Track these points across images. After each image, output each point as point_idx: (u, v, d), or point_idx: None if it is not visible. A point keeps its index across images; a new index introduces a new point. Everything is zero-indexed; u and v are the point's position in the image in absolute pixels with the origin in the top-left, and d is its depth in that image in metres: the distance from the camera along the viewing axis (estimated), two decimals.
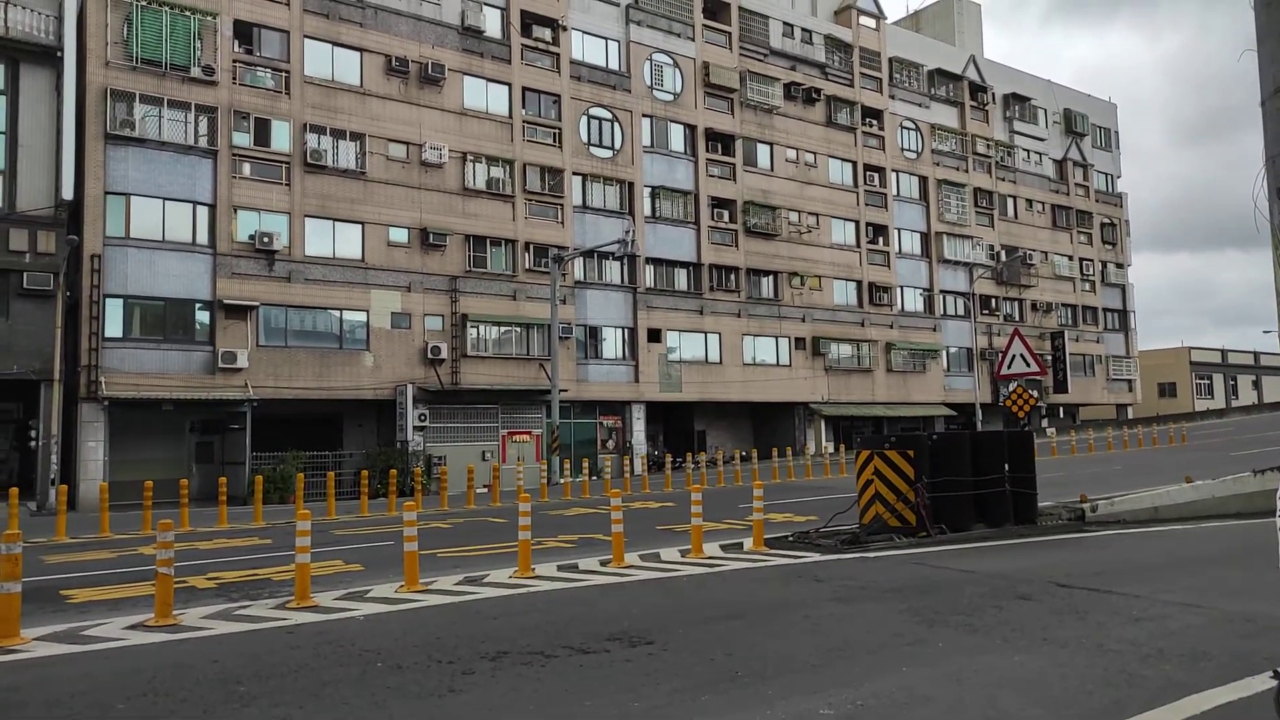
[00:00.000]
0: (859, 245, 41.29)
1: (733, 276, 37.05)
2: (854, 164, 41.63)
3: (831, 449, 36.45)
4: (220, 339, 25.47)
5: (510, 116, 31.79)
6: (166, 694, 5.35)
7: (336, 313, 27.85)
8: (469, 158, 30.59)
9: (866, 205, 41.79)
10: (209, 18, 25.90)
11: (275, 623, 7.35)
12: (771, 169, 38.84)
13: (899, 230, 43.24)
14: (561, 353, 29.40)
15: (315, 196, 27.48)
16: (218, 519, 16.31)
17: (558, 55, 33.05)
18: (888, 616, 7.06)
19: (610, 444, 33.61)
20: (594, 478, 27.30)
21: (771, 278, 38.29)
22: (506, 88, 31.85)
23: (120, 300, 24.38)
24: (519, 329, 31.43)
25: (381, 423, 29.10)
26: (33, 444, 23.42)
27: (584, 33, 33.98)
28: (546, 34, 32.85)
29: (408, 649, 6.31)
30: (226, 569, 10.55)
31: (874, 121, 42.57)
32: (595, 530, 13.62)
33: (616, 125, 34.57)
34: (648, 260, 34.76)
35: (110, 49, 24.40)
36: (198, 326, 25.53)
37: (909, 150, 44.17)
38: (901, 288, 42.83)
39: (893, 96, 43.44)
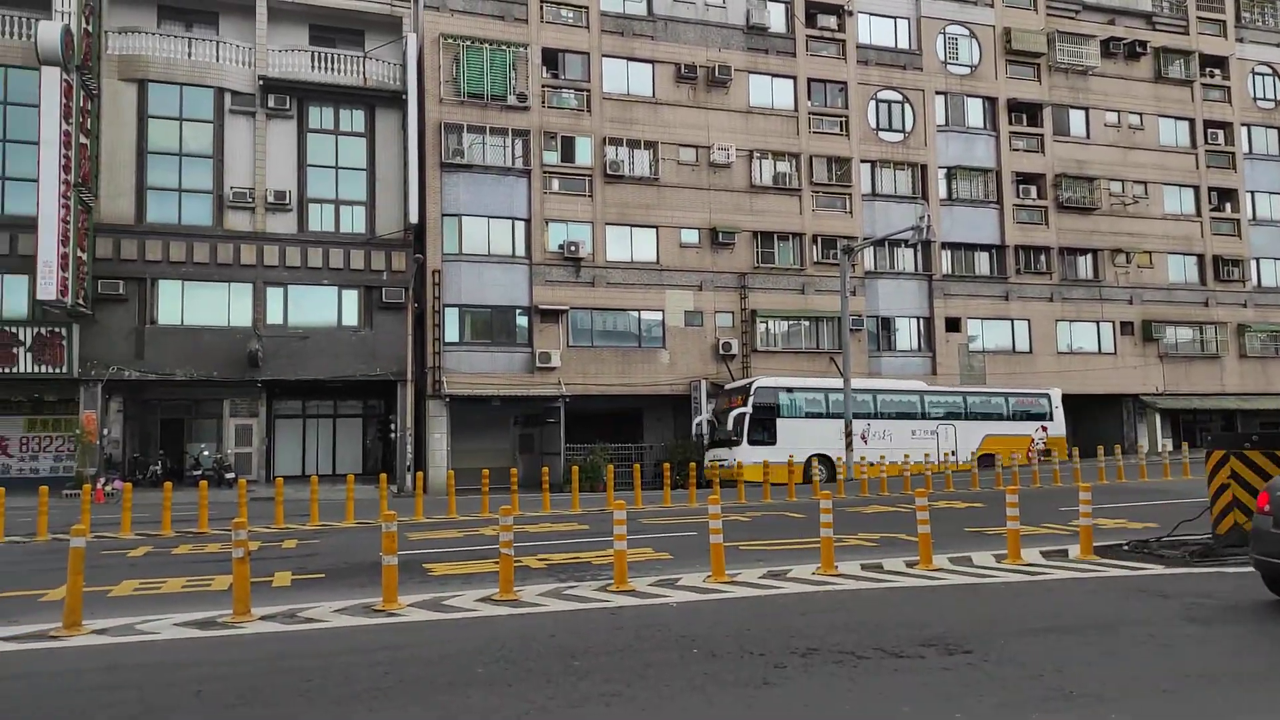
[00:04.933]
0: (1199, 214, 36.07)
1: (1043, 257, 34.02)
2: (1190, 121, 36.43)
3: (1170, 446, 32.21)
4: (537, 341, 28.01)
5: (795, 110, 31.66)
6: (515, 662, 6.02)
7: (635, 313, 29.46)
8: (755, 155, 30.90)
9: (1209, 168, 36.37)
10: (521, 49, 28.53)
11: (599, 604, 7.98)
12: (1087, 136, 35.11)
13: (1252, 194, 37.11)
14: (853, 345, 28.75)
15: (614, 205, 29.26)
16: (541, 505, 17.97)
17: (843, 42, 32.36)
18: (1259, 642, 6.14)
19: None
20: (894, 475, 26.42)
21: (1089, 256, 34.64)
22: (791, 81, 31.75)
23: (456, 309, 27.65)
24: (808, 322, 31.23)
25: (678, 417, 30.33)
26: (392, 435, 27.32)
27: (871, 14, 32.96)
28: (832, 21, 32.27)
29: (720, 638, 6.56)
30: (553, 551, 11.61)
31: (1216, 71, 36.91)
32: (897, 529, 13.21)
33: (907, 106, 33.12)
34: (944, 245, 32.96)
35: (443, 87, 27.74)
36: (518, 330, 28.27)
37: (1264, 100, 37.75)
38: (1257, 260, 36.76)
39: (1240, 39, 37.36)
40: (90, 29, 23.75)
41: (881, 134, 32.78)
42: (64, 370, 23.78)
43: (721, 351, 29.65)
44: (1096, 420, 34.75)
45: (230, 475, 25.06)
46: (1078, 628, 6.74)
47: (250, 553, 7.77)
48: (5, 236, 23.50)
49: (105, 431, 24.87)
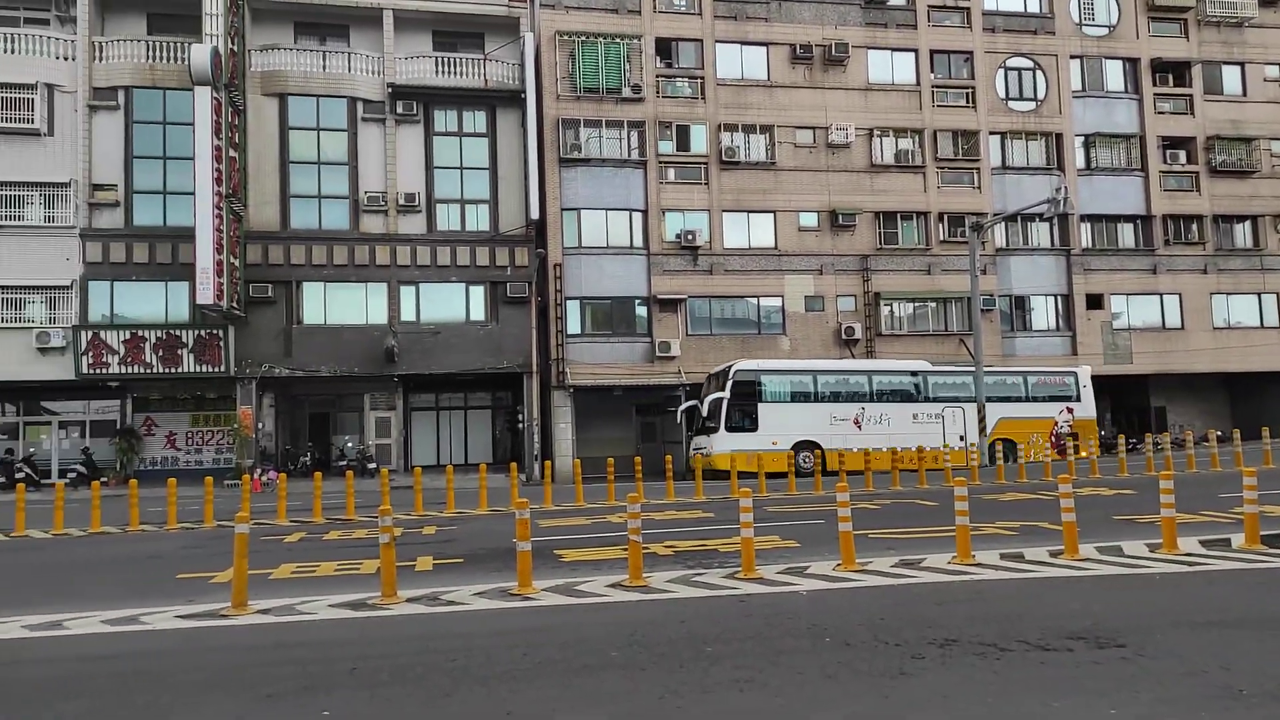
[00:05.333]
0: None
1: (1194, 226, 31.73)
2: None
3: None
4: (656, 330, 28.21)
5: (918, 84, 30.59)
6: (647, 647, 6.13)
7: (754, 300, 29.23)
8: (875, 133, 30.06)
9: None
10: (634, 40, 28.70)
11: (728, 591, 8.01)
12: (1244, 93, 32.47)
13: None
14: (984, 326, 27.61)
15: (730, 191, 29.08)
16: (665, 493, 18.14)
17: (967, 10, 31.02)
18: None
19: None
20: (1029, 461, 25.23)
21: (1248, 223, 32.10)
22: (912, 54, 30.70)
23: (577, 301, 28.17)
24: (935, 304, 30.21)
25: None
26: (520, 425, 28.14)
27: None
28: None
29: (853, 627, 6.47)
30: (679, 539, 11.71)
31: None
32: (1038, 517, 12.63)
33: (1039, 73, 31.45)
34: (1083, 218, 31.18)
35: (559, 84, 28.23)
36: (637, 320, 28.54)
37: None
38: None
39: None
40: (235, 49, 25.41)
41: (1011, 104, 31.24)
42: (222, 369, 25.63)
43: (844, 336, 29.04)
44: (1262, 400, 32.13)
45: (372, 465, 26.43)
46: (1245, 622, 6.30)
47: (395, 538, 8.19)
48: (168, 246, 25.51)
49: (260, 425, 26.68)
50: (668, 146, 28.97)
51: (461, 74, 27.83)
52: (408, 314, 27.16)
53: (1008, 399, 26.00)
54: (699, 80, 29.33)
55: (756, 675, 5.36)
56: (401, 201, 27.05)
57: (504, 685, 5.30)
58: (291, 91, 26.84)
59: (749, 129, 29.41)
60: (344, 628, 7.09)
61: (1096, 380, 29.97)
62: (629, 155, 28.60)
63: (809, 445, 24.03)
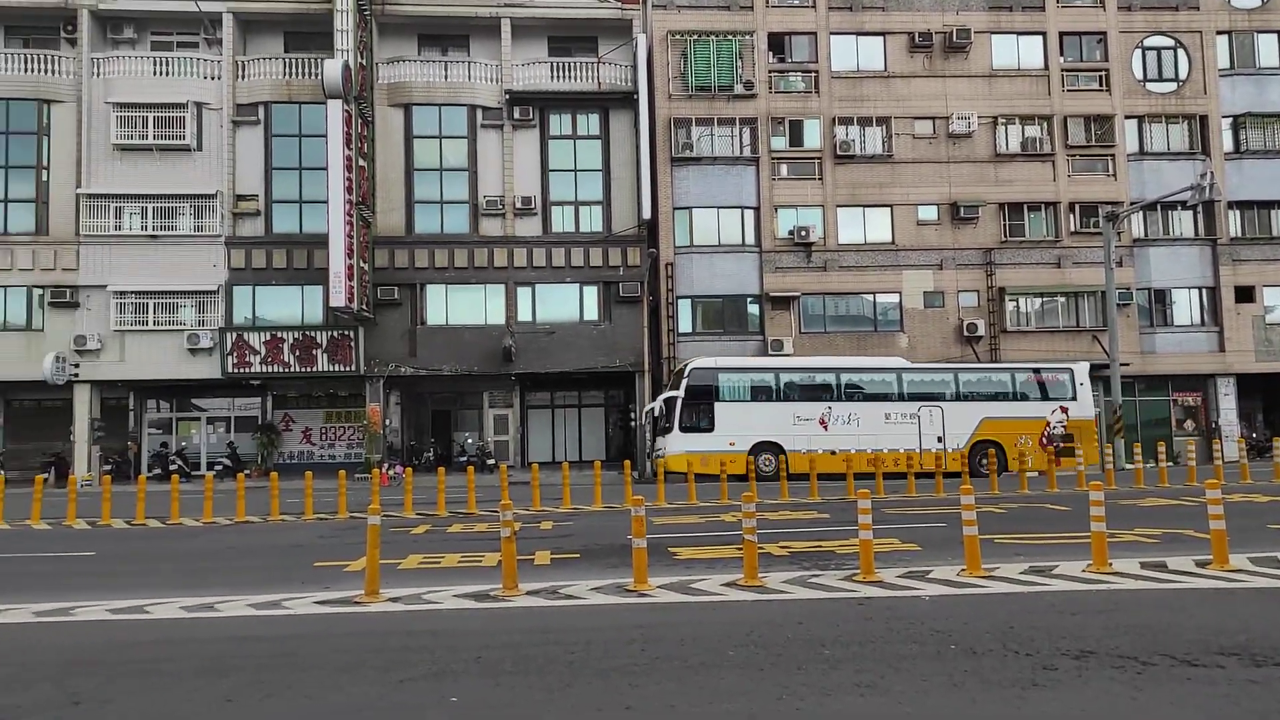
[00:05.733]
0: None
1: None
2: None
3: None
4: (768, 328, 27.95)
5: (1045, 68, 29.19)
6: (764, 646, 6.09)
7: (869, 297, 28.57)
8: (1000, 121, 28.87)
9: None
10: (746, 36, 28.52)
11: (845, 593, 7.87)
12: None
13: None
14: (1120, 322, 26.13)
15: (845, 186, 28.51)
16: (779, 493, 17.96)
17: None
18: None
19: (1189, 425, 28.89)
20: (1171, 464, 23.68)
21: None
22: (1040, 38, 29.33)
23: (688, 300, 28.22)
24: (1064, 298, 28.78)
25: None
26: (632, 423, 28.41)
27: None
28: None
29: (980, 635, 6.25)
30: (794, 539, 11.58)
31: None
32: (1181, 524, 11.85)
33: (1181, 52, 29.49)
34: (1231, 205, 29.09)
35: (671, 84, 28.34)
36: (749, 318, 28.35)
37: None
38: None
39: None
40: (364, 63, 26.66)
41: (1149, 85, 29.40)
42: (353, 368, 26.95)
43: (966, 333, 28.02)
44: None
45: (491, 461, 27.26)
46: None
47: (515, 533, 8.43)
48: (304, 252, 27.00)
49: (387, 422, 27.92)
50: (780, 142, 28.65)
51: (575, 78, 28.32)
52: (524, 314, 27.85)
53: (993, 397, 24.12)
54: (812, 74, 28.86)
55: (878, 680, 5.25)
56: (518, 205, 27.75)
57: (623, 679, 5.38)
58: (416, 101, 27.94)
59: (864, 121, 28.75)
60: (468, 618, 7.34)
61: (1247, 379, 27.93)
62: (740, 152, 28.43)
63: (769, 447, 22.84)
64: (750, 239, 28.45)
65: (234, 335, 26.59)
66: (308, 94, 27.16)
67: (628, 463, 19.05)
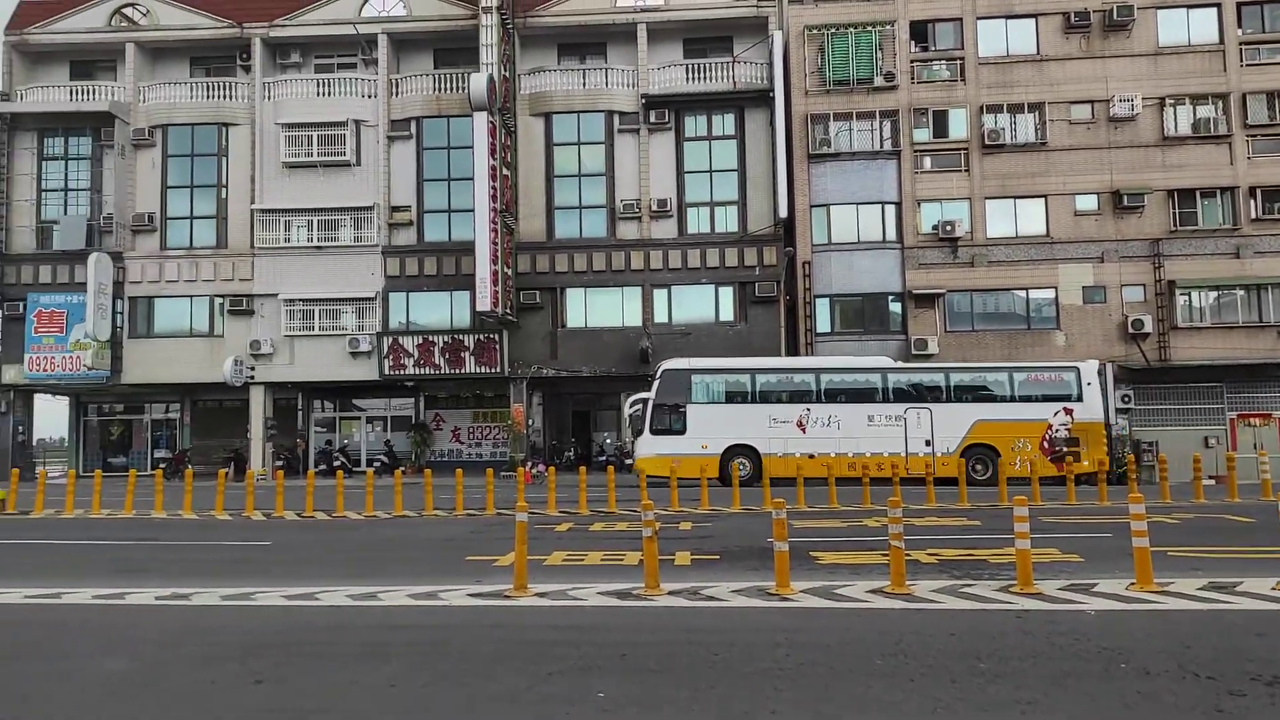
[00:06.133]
0: None
1: None
2: None
3: None
4: (911, 327, 27.02)
5: (1220, 42, 26.91)
6: (913, 657, 5.90)
7: (1021, 293, 27.18)
8: (1167, 102, 26.82)
9: None
10: (886, 26, 27.70)
11: (1001, 605, 7.51)
12: None
13: None
14: None
15: (994, 177, 27.22)
16: (925, 497, 17.34)
17: None
18: None
19: None
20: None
21: None
22: (1214, 10, 27.07)
23: (826, 299, 27.67)
24: (1244, 292, 26.43)
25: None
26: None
27: None
28: None
29: (1153, 654, 5.83)
30: (943, 546, 11.15)
31: None
32: None
33: None
34: None
35: (808, 79, 27.88)
36: (890, 317, 27.50)
37: None
38: None
39: None
40: (507, 75, 27.63)
41: None
42: (498, 370, 27.96)
43: (1131, 330, 26.16)
44: None
45: (629, 461, 27.60)
46: None
47: (656, 533, 8.51)
48: (452, 259, 28.25)
49: (530, 422, 28.81)
50: (923, 134, 27.65)
51: (710, 78, 28.32)
52: (660, 316, 28.09)
53: (988, 399, 22.67)
54: (958, 61, 27.70)
55: (1040, 698, 5.00)
56: (654, 207, 28.03)
57: (767, 683, 5.34)
58: (555, 110, 28.70)
59: (1015, 109, 27.34)
60: (612, 615, 7.48)
61: None
62: (880, 147, 27.63)
63: (743, 450, 22.25)
64: (891, 235, 27.59)
65: (390, 339, 28.11)
66: (455, 108, 28.40)
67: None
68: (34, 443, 32.12)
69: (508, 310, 27.04)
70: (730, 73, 28.30)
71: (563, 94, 28.65)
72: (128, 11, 30.15)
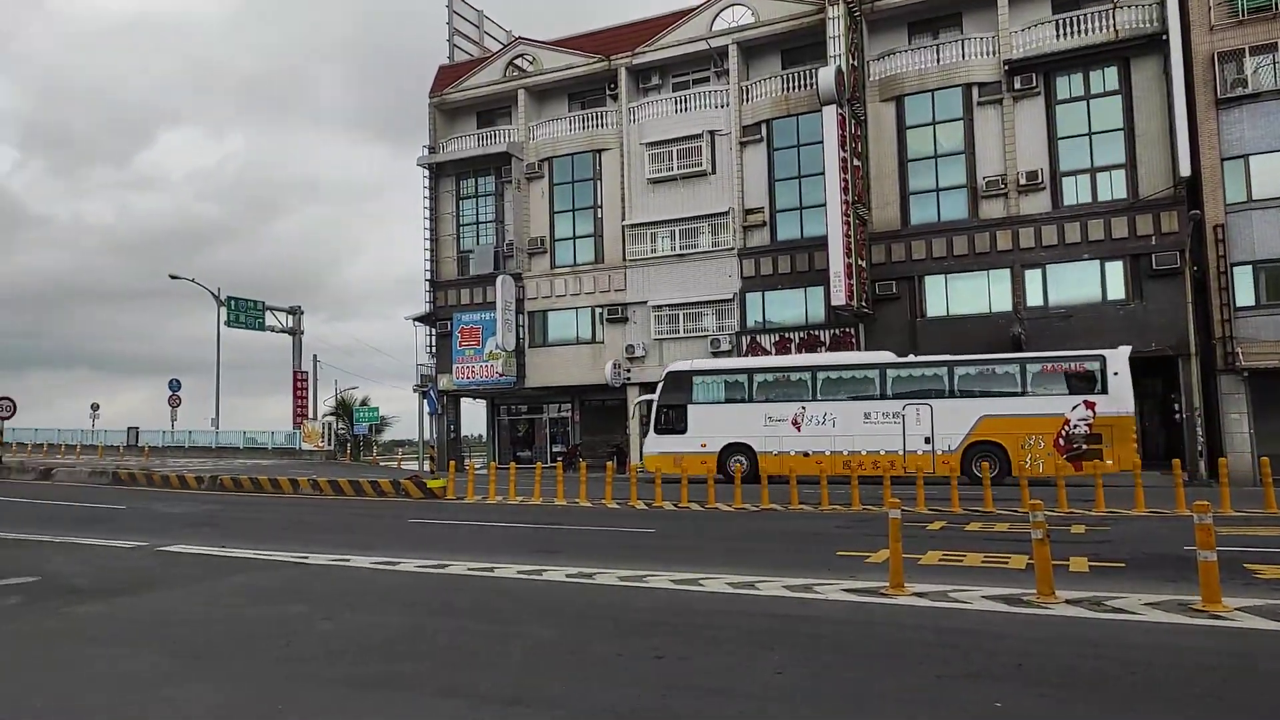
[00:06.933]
0: None
1: None
2: None
3: None
4: None
5: None
6: None
7: None
8: None
9: None
10: None
11: None
12: None
13: None
14: None
15: None
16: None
17: None
18: None
19: None
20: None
21: None
22: None
23: (1248, 267, 23.45)
24: None
25: None
26: (1176, 417, 24.45)
27: None
28: None
29: None
30: None
31: None
32: None
33: None
34: None
35: (1213, 11, 23.84)
36: None
37: None
38: None
39: None
40: (855, 64, 27.16)
41: None
42: None
43: None
44: None
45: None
46: None
47: (1046, 535, 7.85)
48: (805, 256, 28.43)
49: None
50: None
51: (1085, 32, 25.36)
52: (1033, 299, 25.75)
53: (995, 392, 21.04)
54: None
55: None
56: (1022, 181, 25.78)
57: (1201, 711, 4.69)
58: (907, 92, 27.62)
59: None
60: (1000, 621, 7.05)
61: None
62: None
63: (740, 448, 22.67)
64: None
65: (748, 338, 29.03)
66: (804, 105, 28.54)
67: (1176, 462, 16.49)
68: (460, 439, 38.16)
69: (863, 303, 26.56)
70: (1110, 21, 25.09)
71: (915, 74, 27.47)
72: (518, 62, 34.57)
